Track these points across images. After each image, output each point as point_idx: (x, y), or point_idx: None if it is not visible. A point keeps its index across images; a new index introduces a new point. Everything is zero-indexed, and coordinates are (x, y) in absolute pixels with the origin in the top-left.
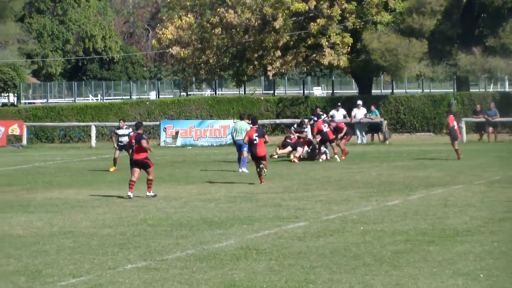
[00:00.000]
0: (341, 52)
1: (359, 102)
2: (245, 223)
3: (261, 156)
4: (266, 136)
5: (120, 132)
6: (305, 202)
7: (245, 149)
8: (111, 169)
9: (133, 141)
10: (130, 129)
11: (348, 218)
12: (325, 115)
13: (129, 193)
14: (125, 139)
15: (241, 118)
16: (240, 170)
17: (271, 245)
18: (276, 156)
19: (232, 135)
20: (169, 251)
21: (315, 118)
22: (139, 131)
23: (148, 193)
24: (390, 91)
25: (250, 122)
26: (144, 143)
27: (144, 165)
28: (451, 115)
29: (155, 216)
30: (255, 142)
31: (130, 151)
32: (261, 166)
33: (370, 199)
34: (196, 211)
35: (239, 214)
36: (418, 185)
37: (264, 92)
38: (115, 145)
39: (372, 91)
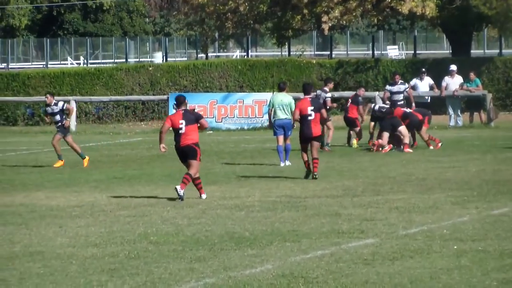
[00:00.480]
0: None
1: (453, 67)
2: (288, 240)
3: (316, 136)
4: (324, 110)
5: (49, 110)
6: (374, 210)
7: (290, 132)
8: (57, 164)
9: (181, 121)
10: (62, 103)
11: (435, 233)
12: (406, 85)
13: (179, 190)
14: (57, 119)
15: (281, 89)
16: (283, 164)
17: (325, 271)
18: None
19: (269, 114)
20: (180, 280)
21: (391, 88)
22: (183, 107)
23: (202, 195)
24: (497, 51)
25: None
26: (205, 122)
27: (191, 153)
28: None
29: (161, 230)
30: (309, 118)
31: (175, 136)
32: (313, 156)
33: (467, 206)
34: (219, 223)
35: (280, 227)
36: None
37: (317, 53)
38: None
39: (472, 51)
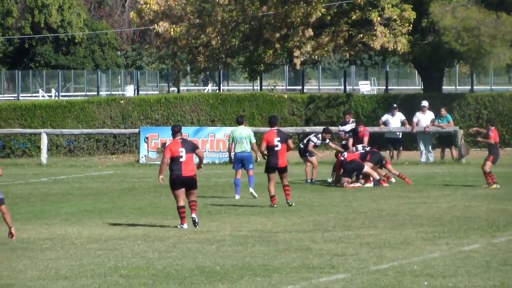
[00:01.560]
0: (399, 31)
1: (425, 103)
2: (259, 275)
3: (283, 167)
4: (291, 141)
5: None
6: (345, 246)
7: (251, 165)
8: None
9: (181, 149)
10: None
11: (406, 268)
12: (353, 125)
13: (185, 225)
14: None
15: (239, 122)
16: (237, 197)
17: None
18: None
19: (229, 148)
20: None
21: (344, 128)
22: (182, 137)
23: (193, 215)
24: (469, 87)
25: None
26: (201, 153)
27: (193, 184)
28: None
29: (131, 264)
30: (276, 149)
31: (175, 166)
32: (285, 189)
33: (438, 242)
34: (190, 257)
35: (251, 261)
36: (508, 222)
37: (288, 87)
38: None
39: (443, 87)
